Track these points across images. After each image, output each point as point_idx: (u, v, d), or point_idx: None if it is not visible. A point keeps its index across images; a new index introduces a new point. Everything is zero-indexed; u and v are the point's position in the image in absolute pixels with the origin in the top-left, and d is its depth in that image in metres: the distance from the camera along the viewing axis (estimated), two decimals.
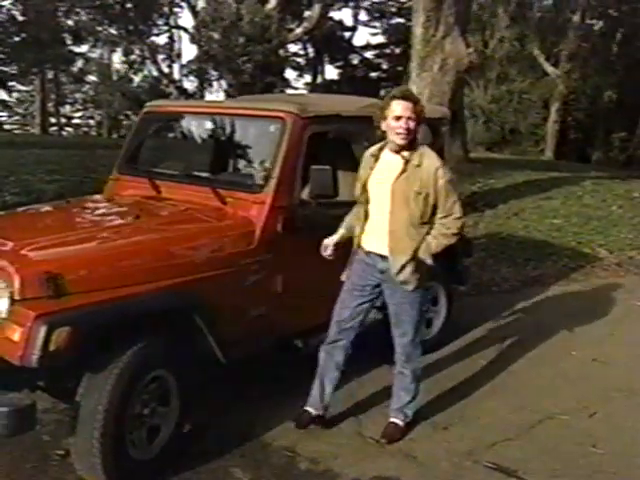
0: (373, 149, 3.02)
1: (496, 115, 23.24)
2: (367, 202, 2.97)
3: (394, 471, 2.93)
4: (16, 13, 21.17)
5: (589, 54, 22.19)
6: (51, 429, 3.07)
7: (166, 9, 23.33)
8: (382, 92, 26.60)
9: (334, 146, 3.61)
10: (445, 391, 3.74)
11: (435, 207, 2.89)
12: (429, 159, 2.86)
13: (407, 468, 2.96)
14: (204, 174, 3.58)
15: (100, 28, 22.58)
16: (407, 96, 2.84)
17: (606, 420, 3.49)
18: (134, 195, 3.50)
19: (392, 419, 3.22)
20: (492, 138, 23.41)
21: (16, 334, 2.32)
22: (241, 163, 3.57)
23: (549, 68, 22.44)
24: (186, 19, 54.06)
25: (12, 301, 2.41)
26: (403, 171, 2.84)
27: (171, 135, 4.13)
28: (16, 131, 28.74)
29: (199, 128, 3.82)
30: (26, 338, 2.30)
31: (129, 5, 20.87)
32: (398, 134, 2.81)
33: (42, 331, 2.29)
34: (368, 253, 3.02)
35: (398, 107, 2.80)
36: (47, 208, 3.55)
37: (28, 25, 20.35)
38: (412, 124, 2.80)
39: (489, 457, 3.07)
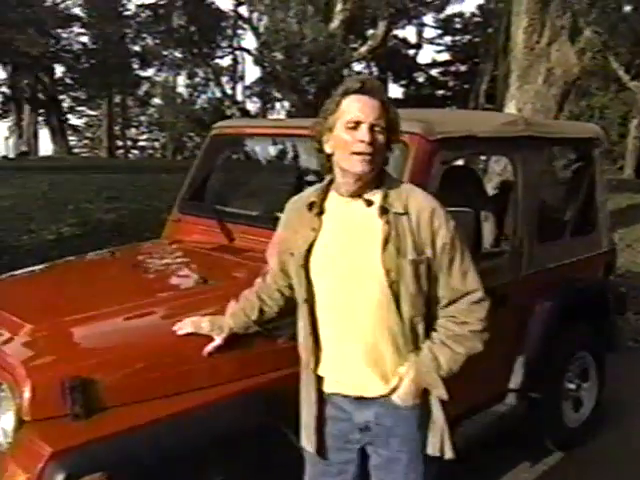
0: (307, 197, 1.66)
1: None
2: (312, 298, 1.61)
3: None
4: (86, 40, 21.80)
5: None
6: None
7: (229, 31, 23.36)
8: None
9: (469, 177, 2.69)
10: None
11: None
12: (416, 197, 1.58)
13: None
14: None
15: (165, 52, 22.89)
16: (371, 89, 1.54)
17: None
18: (200, 243, 2.67)
19: None
20: None
21: None
22: None
23: (630, 82, 20.91)
24: (249, 41, 54.90)
25: (19, 421, 1.60)
26: (389, 230, 1.53)
27: (247, 164, 3.28)
28: (84, 154, 29.41)
29: (282, 154, 2.98)
30: None
31: (193, 29, 20.98)
32: (356, 154, 1.50)
33: None
34: (328, 398, 1.65)
35: (355, 106, 1.52)
36: (83, 264, 2.72)
37: (97, 51, 20.82)
38: (380, 138, 1.52)
39: None
